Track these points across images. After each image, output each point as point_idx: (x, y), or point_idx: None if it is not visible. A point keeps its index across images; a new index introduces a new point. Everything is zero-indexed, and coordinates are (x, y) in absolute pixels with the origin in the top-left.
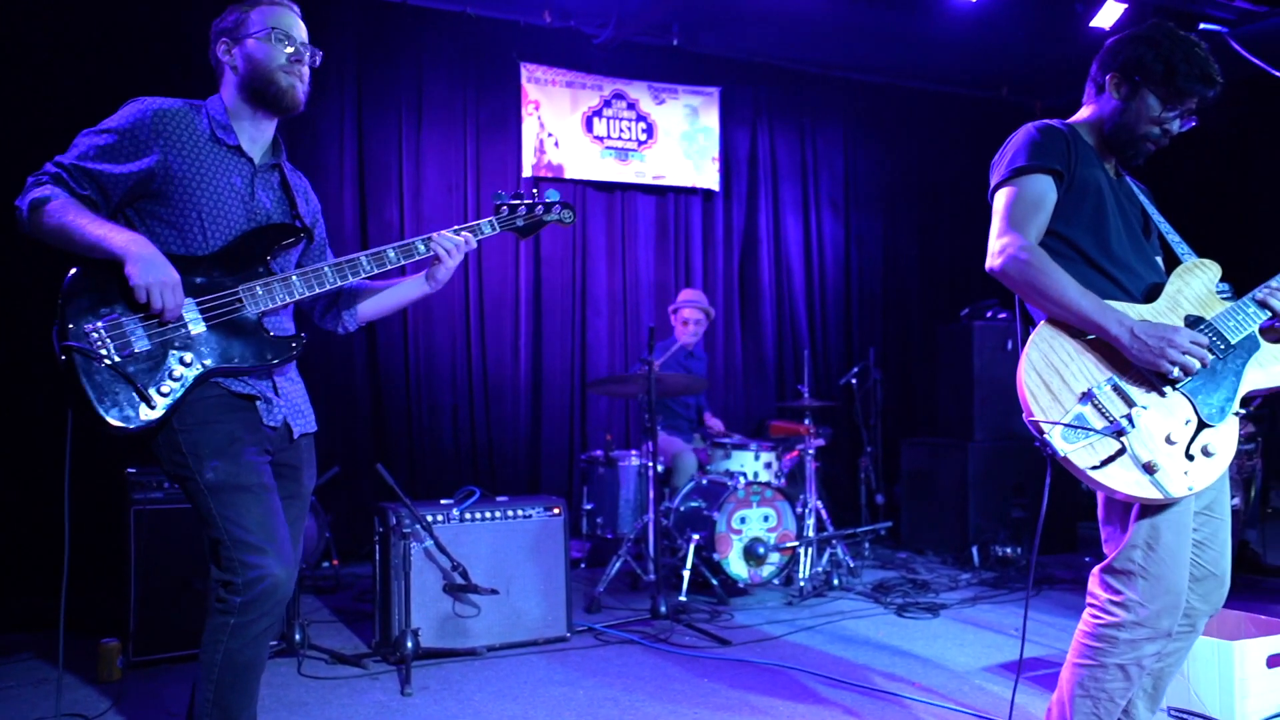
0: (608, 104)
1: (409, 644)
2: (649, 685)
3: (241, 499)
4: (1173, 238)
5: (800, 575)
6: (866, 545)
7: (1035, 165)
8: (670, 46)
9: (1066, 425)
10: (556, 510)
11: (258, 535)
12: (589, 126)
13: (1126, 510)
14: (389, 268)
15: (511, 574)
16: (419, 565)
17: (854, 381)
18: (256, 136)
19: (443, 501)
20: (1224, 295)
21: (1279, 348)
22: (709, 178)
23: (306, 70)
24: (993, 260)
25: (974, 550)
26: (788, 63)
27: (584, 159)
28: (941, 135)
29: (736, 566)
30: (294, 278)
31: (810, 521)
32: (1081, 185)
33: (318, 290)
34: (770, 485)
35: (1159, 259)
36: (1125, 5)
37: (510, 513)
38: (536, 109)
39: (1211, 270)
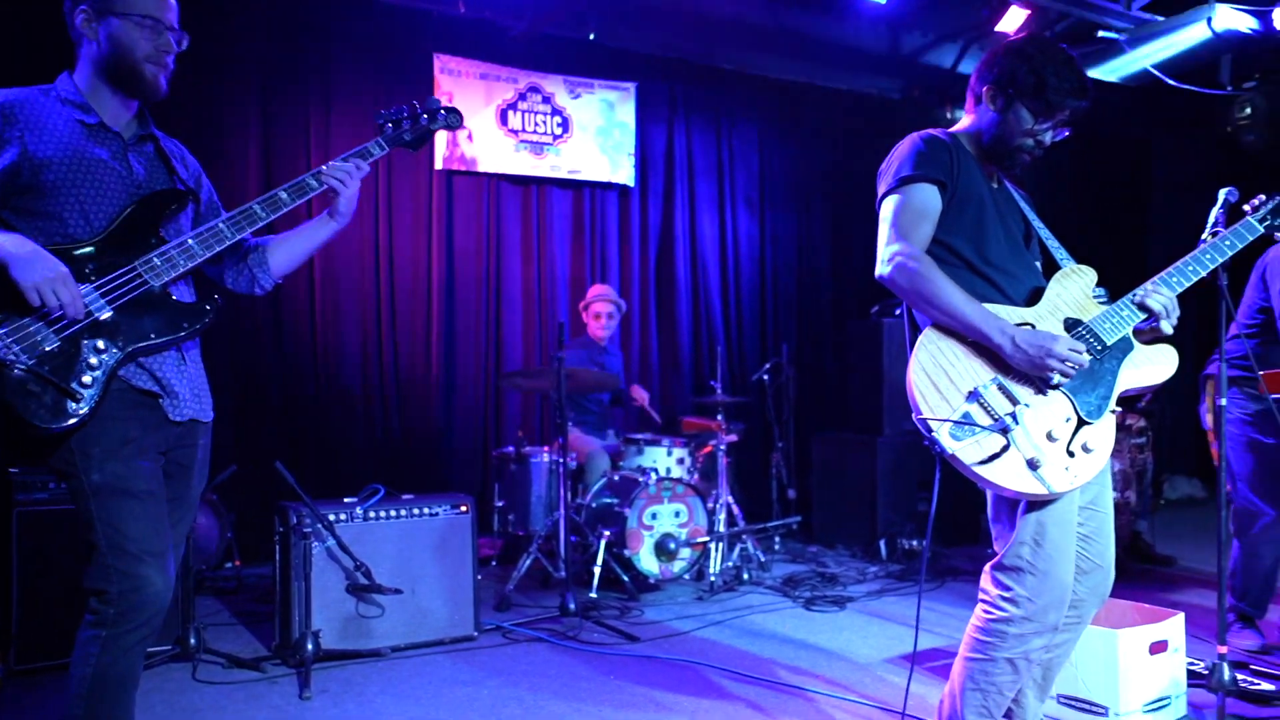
0: (523, 97)
1: (309, 646)
2: (555, 683)
3: (126, 505)
4: (1051, 244)
5: (711, 570)
6: (777, 540)
7: (920, 175)
8: (586, 40)
9: (954, 423)
10: (464, 508)
11: (138, 544)
12: (503, 120)
13: (1014, 508)
14: (284, 210)
15: (417, 573)
16: (320, 565)
17: (766, 378)
18: (120, 114)
19: (346, 500)
20: (1100, 299)
21: (1151, 348)
22: (625, 173)
23: (173, 54)
24: (882, 267)
25: (881, 544)
26: (704, 59)
27: (498, 153)
28: (856, 135)
29: (647, 562)
30: (190, 241)
31: (721, 517)
32: (964, 195)
33: (217, 248)
34: (682, 481)
35: (1039, 264)
36: (1028, 11)
37: (416, 511)
38: (449, 101)
39: (1088, 275)
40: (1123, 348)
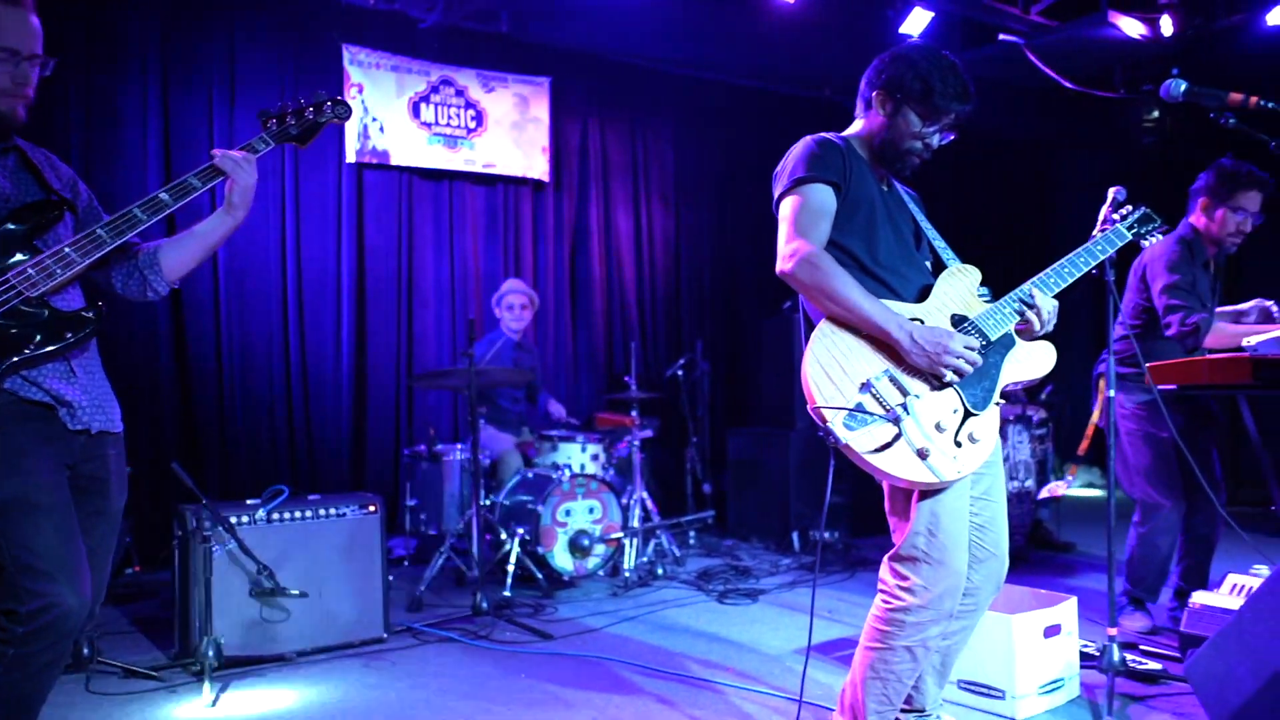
0: (435, 90)
1: (210, 653)
2: (465, 684)
3: (31, 519)
4: (939, 244)
5: (626, 566)
6: (692, 534)
7: (815, 176)
8: (499, 34)
9: (847, 412)
10: (373, 507)
11: (47, 560)
12: (416, 112)
13: (909, 499)
14: (166, 212)
15: (324, 575)
16: (221, 569)
17: (680, 373)
18: None
19: (249, 502)
20: (984, 297)
21: (1031, 345)
22: (540, 168)
23: (34, 84)
24: (783, 264)
25: (794, 536)
26: (619, 56)
27: (411, 145)
28: (769, 133)
29: (562, 559)
30: (67, 249)
31: (636, 512)
32: (855, 197)
33: (96, 254)
34: (596, 477)
35: (928, 263)
36: (932, 14)
37: (322, 511)
38: (360, 92)
39: (972, 274)
40: (1005, 343)
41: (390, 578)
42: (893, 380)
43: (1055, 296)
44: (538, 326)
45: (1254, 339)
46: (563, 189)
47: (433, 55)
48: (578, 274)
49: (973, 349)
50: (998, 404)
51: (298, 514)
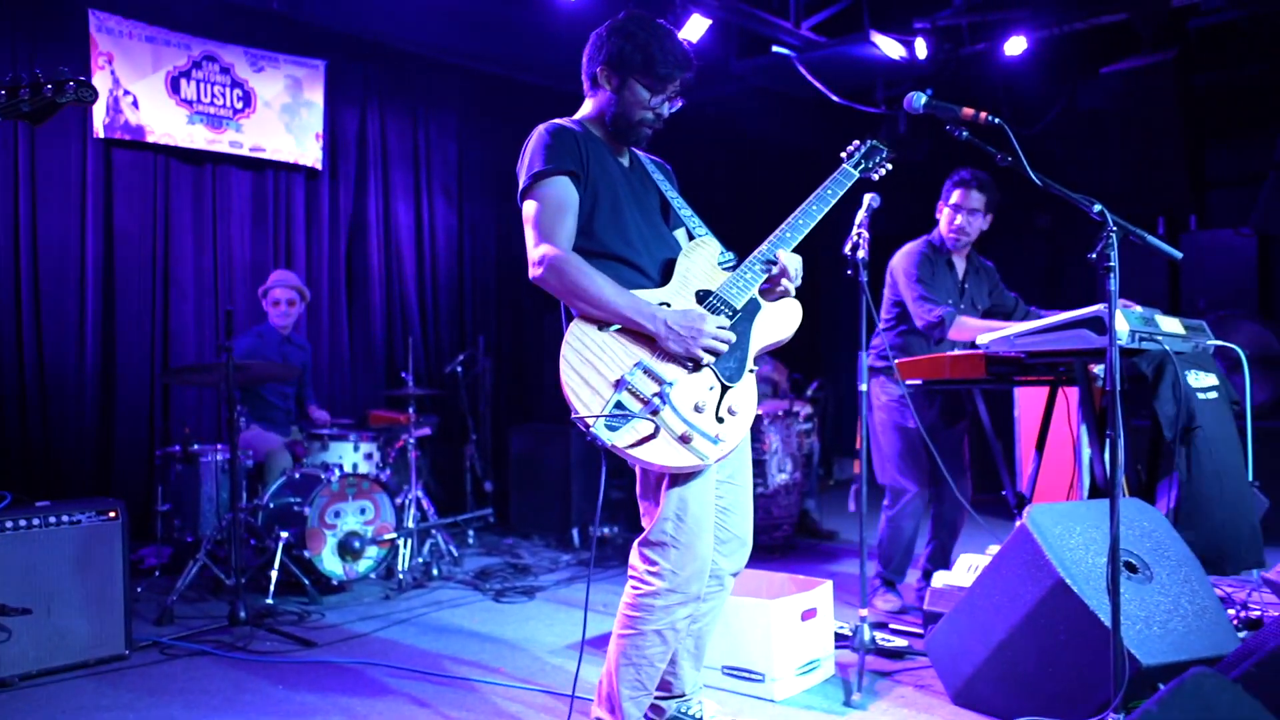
0: (197, 65)
1: None
2: (216, 699)
3: None
4: (685, 213)
5: (400, 568)
6: (471, 533)
7: (553, 169)
8: (269, 11)
9: (607, 416)
10: (113, 514)
11: None
12: (175, 88)
13: (659, 486)
14: None
15: (53, 589)
16: None
17: (460, 369)
18: None
19: None
20: (727, 265)
21: (776, 305)
22: (313, 155)
23: None
24: (534, 270)
25: (574, 532)
26: (401, 43)
27: (168, 124)
28: None
29: (330, 563)
30: None
31: (411, 512)
32: (597, 182)
33: None
34: (368, 477)
35: (683, 233)
36: (710, 21)
37: (51, 519)
38: (110, 62)
39: (712, 245)
40: (751, 309)
41: (138, 589)
42: (646, 371)
43: (798, 251)
44: (311, 320)
45: (986, 337)
46: (339, 177)
47: (194, 29)
48: (354, 266)
49: (724, 328)
50: (752, 371)
51: (21, 523)
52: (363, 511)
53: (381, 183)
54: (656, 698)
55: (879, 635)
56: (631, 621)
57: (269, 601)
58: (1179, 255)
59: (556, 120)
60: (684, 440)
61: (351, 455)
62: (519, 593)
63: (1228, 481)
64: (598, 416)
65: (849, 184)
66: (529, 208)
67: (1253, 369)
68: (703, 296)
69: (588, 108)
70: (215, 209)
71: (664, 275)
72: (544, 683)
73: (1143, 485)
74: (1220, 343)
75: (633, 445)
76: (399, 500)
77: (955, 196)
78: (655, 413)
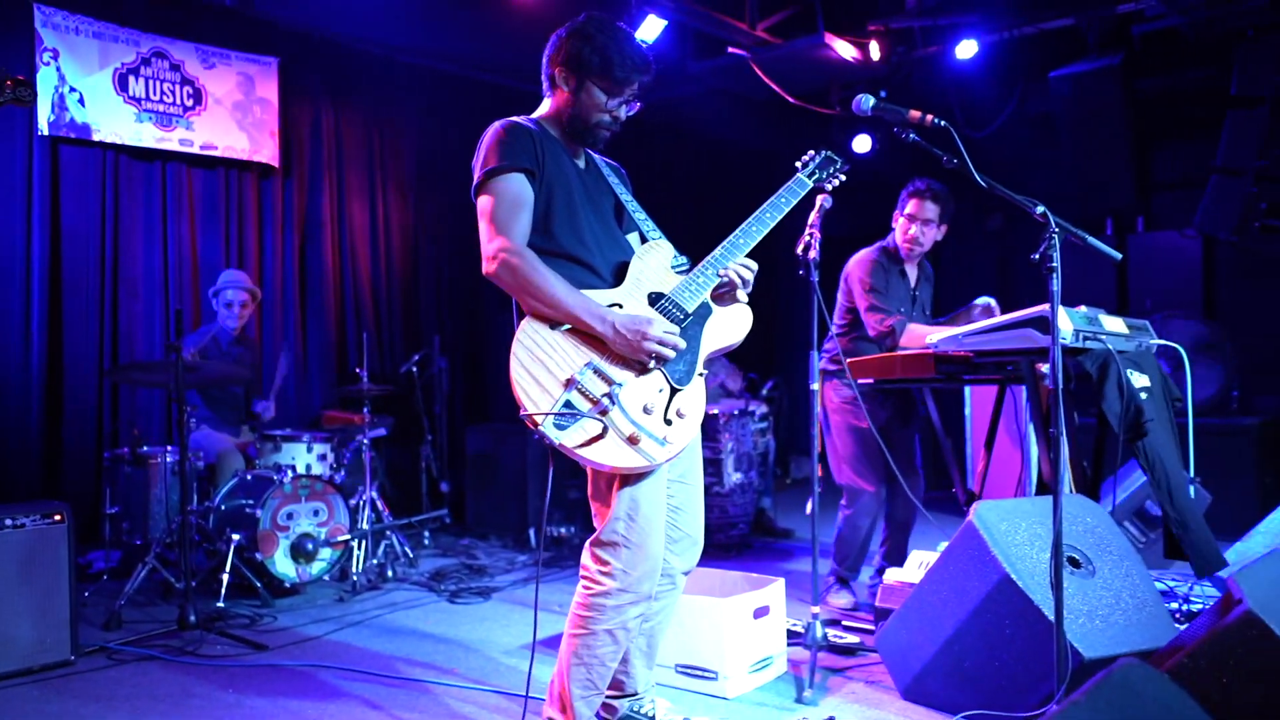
0: (146, 62)
1: None
2: (163, 704)
3: None
4: (639, 216)
5: (354, 569)
6: (427, 534)
7: (508, 165)
8: (221, 7)
9: (556, 415)
10: (59, 516)
11: None
12: (123, 86)
13: (610, 486)
14: None
15: None
16: None
17: (415, 369)
18: None
19: None
20: (680, 269)
21: (728, 310)
22: (267, 152)
23: None
24: (487, 265)
25: (531, 532)
26: (356, 41)
27: (117, 122)
28: None
29: (283, 566)
30: None
31: (366, 514)
32: (552, 181)
33: None
34: (321, 478)
35: (636, 237)
36: (666, 23)
37: None
38: (55, 58)
39: (664, 249)
40: (703, 313)
41: (85, 594)
42: (597, 372)
43: (754, 257)
44: (265, 319)
45: (935, 336)
46: (293, 175)
47: (143, 24)
48: (309, 265)
49: (673, 333)
50: (701, 375)
51: None
52: (316, 513)
53: (336, 180)
54: (609, 696)
55: (832, 632)
56: (583, 621)
57: (220, 605)
58: (1118, 256)
59: (513, 118)
60: (632, 441)
61: (305, 456)
62: (474, 594)
63: (1171, 476)
64: (546, 414)
65: (803, 193)
66: (483, 202)
67: (1195, 368)
68: (655, 299)
69: (545, 107)
70: (167, 207)
71: (617, 277)
72: (498, 683)
73: (1088, 482)
74: (1163, 341)
75: (581, 445)
76: (353, 501)
77: (910, 207)
78: (604, 413)
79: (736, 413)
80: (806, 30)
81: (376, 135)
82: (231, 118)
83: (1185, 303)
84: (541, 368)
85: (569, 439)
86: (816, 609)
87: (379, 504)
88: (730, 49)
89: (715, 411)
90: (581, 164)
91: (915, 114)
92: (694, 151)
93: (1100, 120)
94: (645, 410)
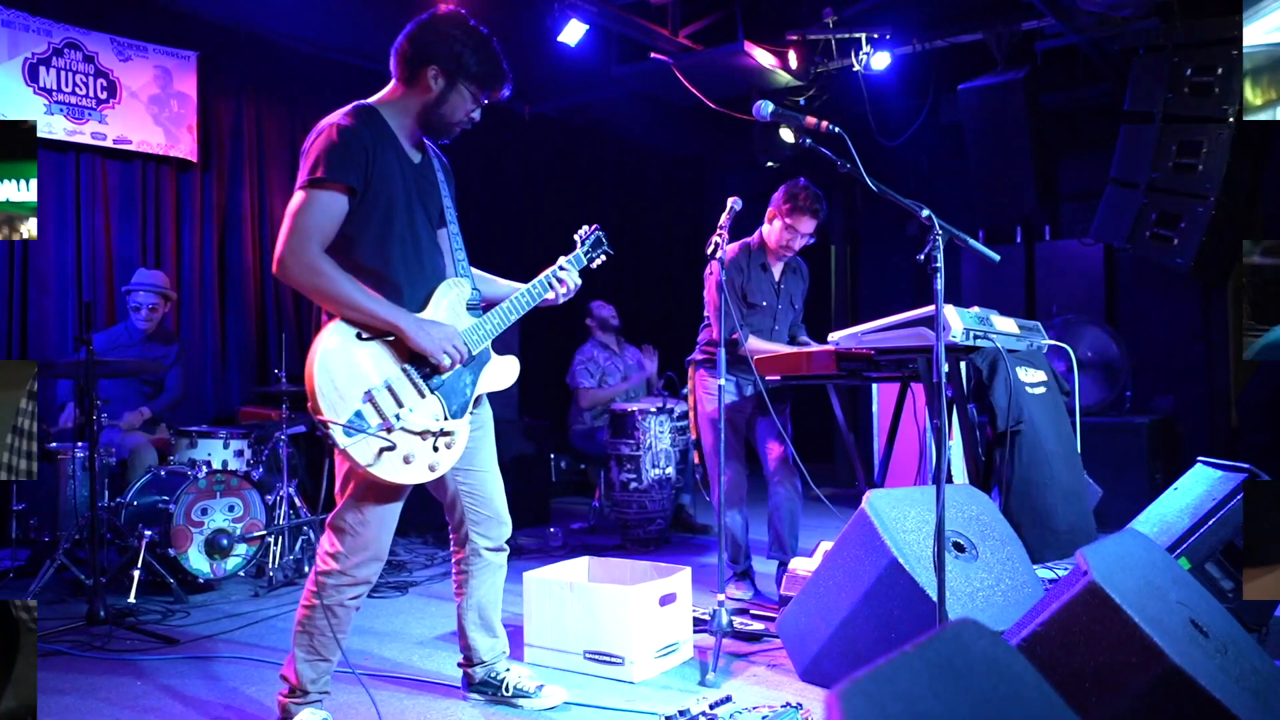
0: (58, 53)
1: None
2: (68, 697)
3: None
4: (453, 229)
5: (271, 565)
6: None
7: (331, 180)
8: None
9: (345, 425)
10: None
11: None
12: (33, 76)
13: (351, 474)
14: None
15: None
16: None
17: None
18: None
19: None
20: (474, 310)
21: (500, 359)
22: (185, 147)
23: None
24: (276, 265)
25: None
26: (278, 36)
27: (25, 112)
28: None
29: (197, 561)
30: None
31: (283, 509)
32: (375, 194)
33: None
34: (237, 474)
35: (454, 239)
36: (588, 27)
37: None
38: None
39: (464, 287)
40: (482, 358)
41: None
42: (391, 391)
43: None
44: (183, 315)
45: (838, 334)
46: (212, 170)
47: (54, 13)
48: (228, 261)
49: (461, 344)
50: (471, 414)
51: None
52: (231, 509)
53: (257, 176)
54: (462, 664)
55: (737, 620)
56: (310, 595)
57: (131, 601)
58: (996, 258)
59: (360, 106)
60: (406, 461)
61: (221, 452)
62: (392, 588)
63: (1058, 469)
64: (338, 424)
65: (579, 268)
66: (295, 200)
67: (1093, 370)
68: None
69: (395, 93)
70: (80, 200)
71: (421, 304)
72: (413, 671)
73: (981, 474)
74: (1053, 342)
75: (368, 464)
76: (270, 498)
77: (793, 218)
78: (389, 431)
79: (654, 410)
80: (728, 38)
81: (300, 131)
82: (148, 112)
83: (1089, 308)
84: (343, 375)
85: (356, 451)
86: (722, 596)
87: (297, 500)
88: (653, 54)
89: (635, 408)
90: (417, 159)
91: (811, 120)
92: (618, 154)
93: (1006, 132)
94: (422, 436)
